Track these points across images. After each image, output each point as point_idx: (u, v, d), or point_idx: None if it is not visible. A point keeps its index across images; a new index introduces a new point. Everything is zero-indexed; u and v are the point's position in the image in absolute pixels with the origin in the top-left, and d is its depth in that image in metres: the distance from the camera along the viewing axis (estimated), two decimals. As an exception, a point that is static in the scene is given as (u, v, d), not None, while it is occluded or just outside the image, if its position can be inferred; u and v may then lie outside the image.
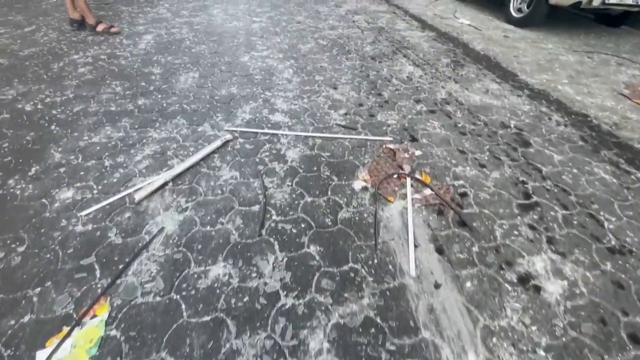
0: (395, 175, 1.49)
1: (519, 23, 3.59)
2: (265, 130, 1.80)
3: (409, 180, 1.46)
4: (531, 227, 1.29)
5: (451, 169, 1.58)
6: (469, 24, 3.69)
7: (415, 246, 1.19)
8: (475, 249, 1.19)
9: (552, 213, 1.36)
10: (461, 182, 1.49)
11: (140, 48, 2.85)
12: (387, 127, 1.89)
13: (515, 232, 1.26)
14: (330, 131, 1.83)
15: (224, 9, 4.05)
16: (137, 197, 1.33)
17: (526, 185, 1.49)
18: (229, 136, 1.72)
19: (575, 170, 1.61)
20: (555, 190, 1.48)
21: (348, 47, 3.00)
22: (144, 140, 1.70)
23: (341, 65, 2.65)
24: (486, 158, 1.66)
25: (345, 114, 2.01)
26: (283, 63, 2.65)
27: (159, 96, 2.11)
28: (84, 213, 1.29)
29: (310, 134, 1.79)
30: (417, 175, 1.50)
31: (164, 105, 2.02)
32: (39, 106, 1.97)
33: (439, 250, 1.18)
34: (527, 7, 3.47)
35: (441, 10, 4.25)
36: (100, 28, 3.11)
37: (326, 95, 2.20)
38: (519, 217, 1.33)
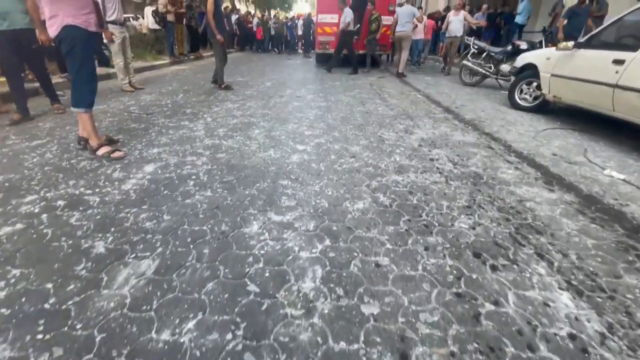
0: None
1: None
2: None
3: None
4: None
5: None
6: (624, 180, 2.31)
7: None
8: None
9: None
10: None
11: (123, 189, 2.02)
12: None
13: None
14: None
15: (267, 129, 3.35)
16: None
17: None
18: None
19: None
20: None
21: (426, 216, 1.81)
22: None
23: (416, 263, 1.42)
24: None
25: None
26: (310, 246, 1.51)
27: (39, 339, 1.04)
28: None
29: None
30: None
31: (15, 380, 0.91)
32: None
33: None
34: None
35: (561, 146, 3.00)
36: (100, 152, 2.48)
37: (382, 387, 0.91)
38: None
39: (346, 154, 2.72)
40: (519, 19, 9.86)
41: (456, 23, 7.56)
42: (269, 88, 5.87)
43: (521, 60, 4.51)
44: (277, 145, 2.88)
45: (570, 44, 3.53)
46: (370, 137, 3.19)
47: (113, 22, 4.46)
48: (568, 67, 3.55)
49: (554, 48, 3.86)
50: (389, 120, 3.80)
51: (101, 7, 4.26)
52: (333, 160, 2.57)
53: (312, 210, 1.83)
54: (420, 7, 12.11)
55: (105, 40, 4.70)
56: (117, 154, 2.48)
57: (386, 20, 8.65)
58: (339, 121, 3.76)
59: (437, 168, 2.46)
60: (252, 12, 20.82)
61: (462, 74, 6.65)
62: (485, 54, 6.21)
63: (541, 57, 4.06)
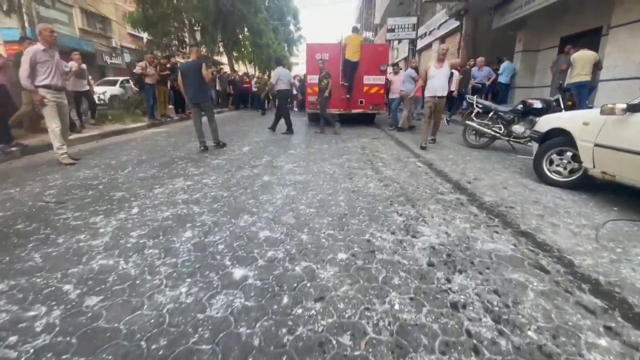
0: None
1: None
2: None
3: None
4: None
5: None
6: None
7: None
8: None
9: None
10: None
11: None
12: None
13: None
14: None
15: (205, 230, 2.33)
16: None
17: None
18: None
19: None
20: None
21: None
22: None
23: None
24: None
25: None
26: None
27: None
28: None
29: None
30: None
31: None
32: None
33: None
34: None
35: (653, 264, 1.91)
36: None
37: None
38: None
39: (310, 290, 1.63)
40: (501, 79, 9.76)
41: (440, 78, 5.47)
42: (243, 155, 5.01)
43: (545, 123, 3.64)
44: (201, 270, 1.81)
45: (620, 106, 2.64)
46: (354, 243, 2.14)
47: (47, 87, 3.74)
48: (623, 137, 2.62)
49: (595, 110, 2.98)
50: (383, 208, 2.78)
51: (29, 71, 3.58)
52: (281, 314, 1.47)
53: None
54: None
55: (36, 104, 3.93)
56: None
57: (378, 79, 8.23)
58: (315, 209, 2.74)
59: (468, 334, 1.34)
60: (252, 73, 21.45)
61: (466, 135, 5.84)
62: (492, 113, 5.44)
63: (575, 120, 3.17)
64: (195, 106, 5.19)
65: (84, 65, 6.88)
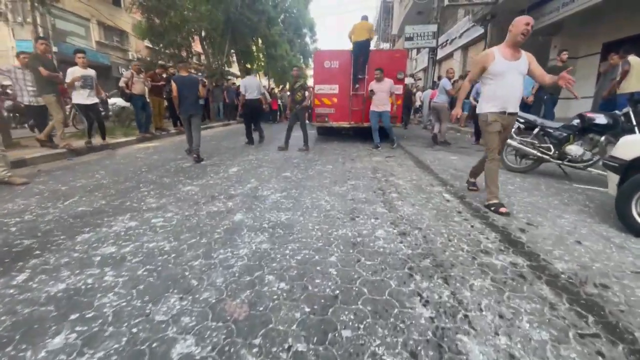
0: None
1: None
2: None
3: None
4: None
5: None
6: None
7: None
8: None
9: None
10: None
11: None
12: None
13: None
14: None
15: (89, 333, 1.39)
16: None
17: None
18: None
19: None
20: None
21: None
22: None
23: None
24: None
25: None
26: None
27: None
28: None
29: None
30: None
31: None
32: None
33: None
34: None
35: None
36: None
37: None
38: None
39: None
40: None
41: (515, 79, 2.81)
42: (226, 178, 4.12)
43: (630, 148, 2.54)
44: None
45: None
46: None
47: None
48: None
49: None
50: (397, 284, 1.76)
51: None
52: None
53: None
54: (439, 77, 11.25)
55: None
56: None
57: (396, 89, 7.25)
58: (289, 282, 1.76)
59: None
60: (265, 84, 20.92)
61: (504, 155, 4.73)
62: (537, 129, 4.34)
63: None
64: (188, 116, 5.26)
65: (91, 71, 5.62)
